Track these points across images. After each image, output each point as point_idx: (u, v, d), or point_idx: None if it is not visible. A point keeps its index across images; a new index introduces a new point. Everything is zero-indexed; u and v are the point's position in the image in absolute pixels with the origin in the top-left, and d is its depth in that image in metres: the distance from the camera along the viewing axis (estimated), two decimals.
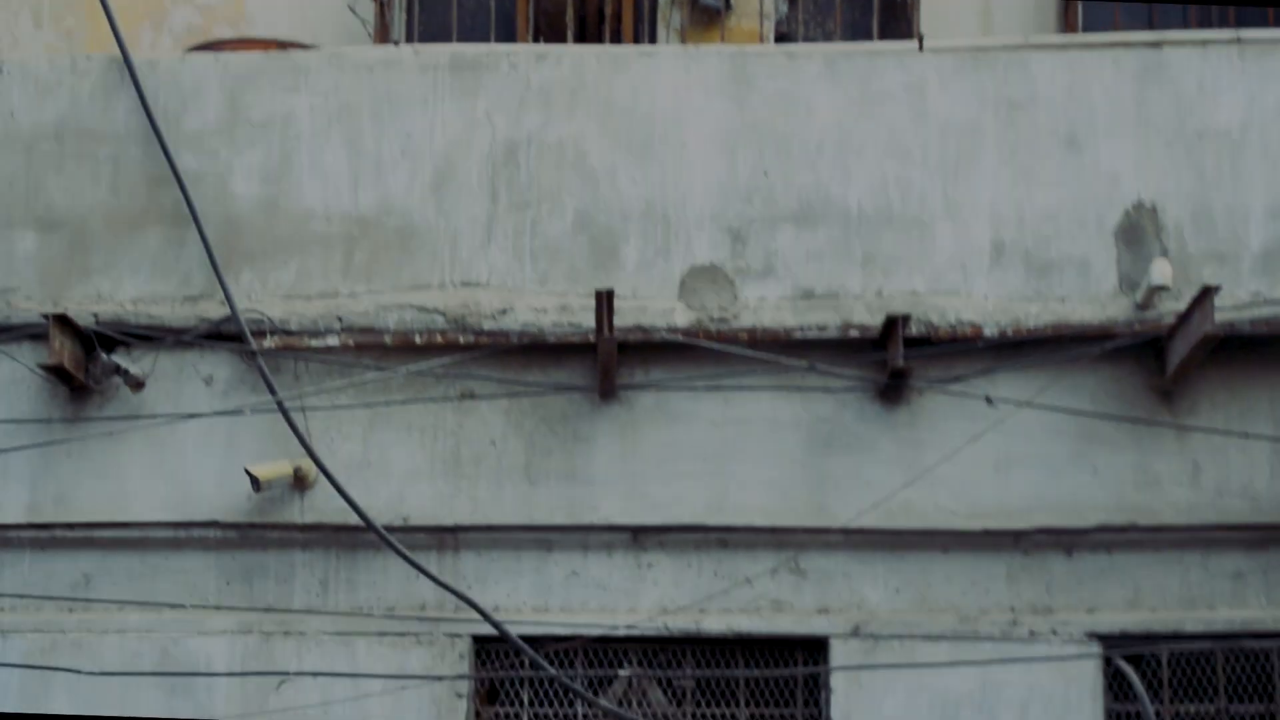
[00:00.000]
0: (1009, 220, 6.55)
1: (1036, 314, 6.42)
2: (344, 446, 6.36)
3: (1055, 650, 6.19)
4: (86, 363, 6.37)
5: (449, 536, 6.34)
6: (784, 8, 8.71)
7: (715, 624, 6.29)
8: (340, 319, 6.43)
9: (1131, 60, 6.99)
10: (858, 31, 8.49)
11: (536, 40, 8.23)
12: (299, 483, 6.41)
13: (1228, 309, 6.65)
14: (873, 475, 6.36)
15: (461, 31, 8.38)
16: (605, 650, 6.43)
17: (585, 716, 6.31)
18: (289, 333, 6.40)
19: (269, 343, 6.38)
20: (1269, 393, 6.41)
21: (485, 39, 8.23)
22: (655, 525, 6.33)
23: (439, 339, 6.37)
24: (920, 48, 6.67)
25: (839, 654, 6.23)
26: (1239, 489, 6.35)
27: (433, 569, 6.23)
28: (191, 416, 6.38)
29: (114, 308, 6.42)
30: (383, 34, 8.47)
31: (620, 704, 6.33)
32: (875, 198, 6.54)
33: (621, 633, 6.30)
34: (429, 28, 8.53)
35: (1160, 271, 6.85)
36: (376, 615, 6.24)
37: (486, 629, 6.22)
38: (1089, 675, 6.21)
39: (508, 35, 8.41)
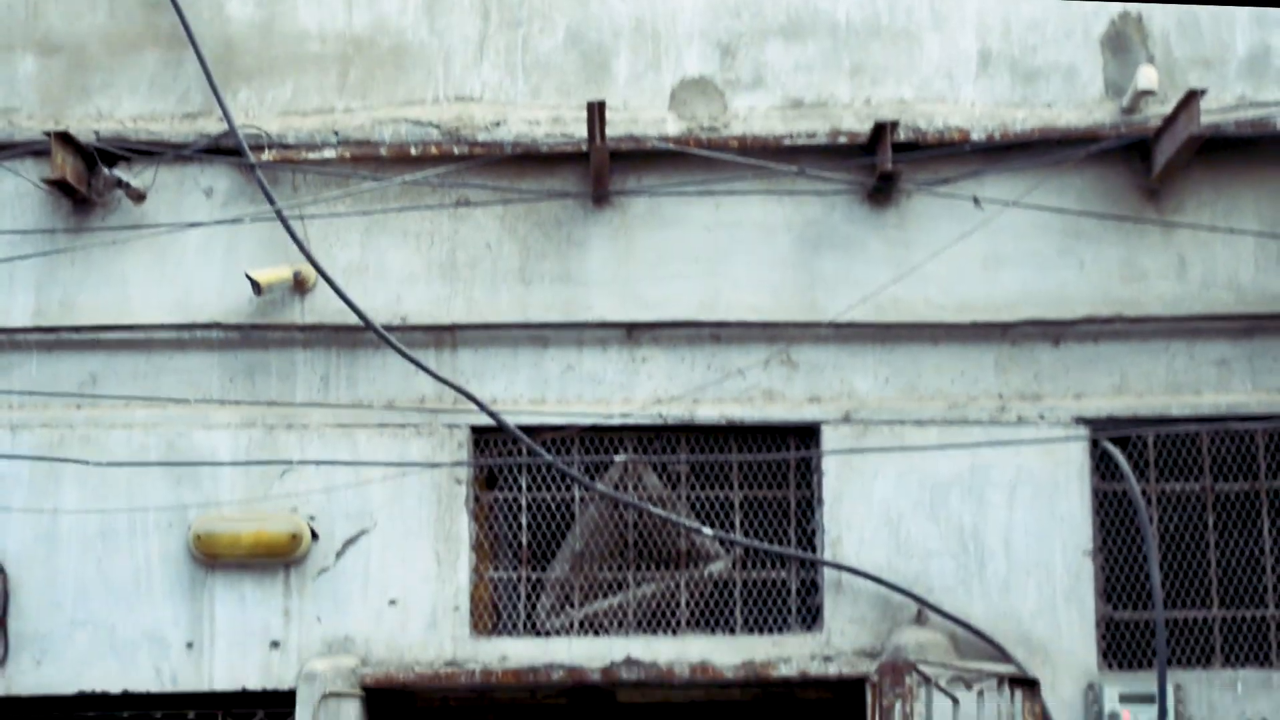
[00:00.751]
0: (995, 30, 8.20)
1: (1023, 119, 8.06)
2: (342, 253, 8.02)
3: (1043, 434, 7.83)
4: (89, 177, 8.04)
5: (446, 335, 7.99)
6: None
7: (709, 413, 7.94)
8: (336, 133, 8.05)
9: None
10: None
11: None
12: (299, 286, 7.93)
13: (1214, 111, 7.89)
14: (862, 273, 8.00)
15: None
16: (601, 439, 7.99)
17: (582, 500, 7.98)
18: (286, 146, 8.01)
19: (267, 156, 7.96)
20: (1254, 190, 8.09)
21: None
22: (649, 322, 7.96)
23: (434, 150, 8.00)
24: None
25: (830, 439, 7.91)
26: (1224, 281, 8.03)
27: (431, 365, 7.81)
28: (192, 225, 7.91)
29: (114, 125, 8.11)
30: None
31: (616, 488, 7.88)
32: (863, 10, 8.18)
33: (617, 421, 7.89)
34: None
35: (1146, 77, 8.82)
36: (377, 408, 7.91)
37: (484, 420, 7.78)
38: (1076, 457, 7.88)
39: None
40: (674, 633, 7.93)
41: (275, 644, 7.79)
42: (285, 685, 7.80)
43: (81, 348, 8.12)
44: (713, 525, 7.99)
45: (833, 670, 7.75)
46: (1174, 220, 8.11)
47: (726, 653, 7.84)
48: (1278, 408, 7.97)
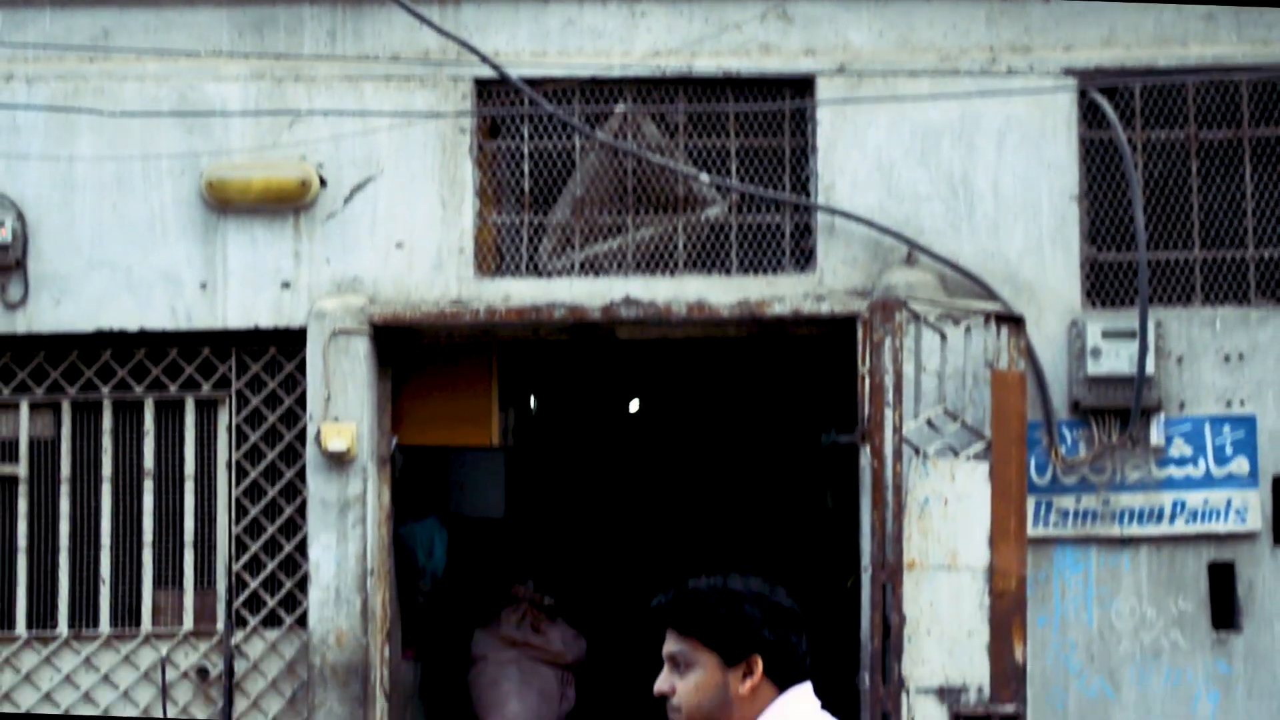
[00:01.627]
0: None
1: None
2: None
3: (1032, 84, 8.26)
4: None
5: None
6: None
7: (706, 65, 8.35)
8: None
9: None
10: None
11: None
12: None
13: None
14: None
15: None
16: (601, 90, 8.46)
17: (582, 148, 8.46)
18: None
19: None
20: None
21: None
22: None
23: None
24: None
25: (825, 90, 8.33)
26: None
27: (435, 20, 8.24)
28: None
29: None
30: None
31: (616, 137, 8.36)
32: None
33: (616, 73, 8.34)
34: None
35: None
36: (383, 60, 8.35)
37: (487, 73, 8.25)
38: (1064, 107, 8.31)
39: None
40: (671, 273, 8.48)
41: (286, 284, 8.35)
42: (296, 323, 8.36)
43: (93, 4, 8.57)
44: (709, 173, 8.51)
45: (825, 309, 8.30)
46: None
47: (722, 292, 8.40)
48: (1262, 58, 8.41)
